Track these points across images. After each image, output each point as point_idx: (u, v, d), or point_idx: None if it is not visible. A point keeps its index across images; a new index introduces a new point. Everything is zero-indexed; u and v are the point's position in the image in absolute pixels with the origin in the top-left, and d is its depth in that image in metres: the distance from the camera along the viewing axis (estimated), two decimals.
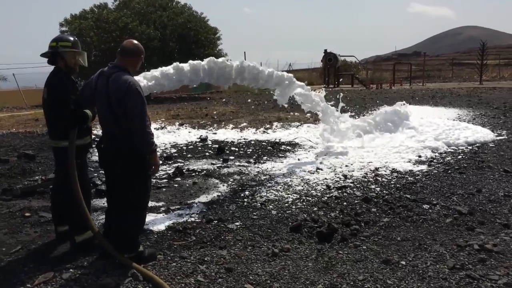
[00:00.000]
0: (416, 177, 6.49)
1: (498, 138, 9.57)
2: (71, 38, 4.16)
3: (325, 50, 36.72)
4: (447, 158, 7.70)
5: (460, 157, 7.81)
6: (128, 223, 3.76)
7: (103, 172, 4.29)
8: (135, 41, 3.84)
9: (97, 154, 3.98)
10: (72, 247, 4.10)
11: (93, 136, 4.76)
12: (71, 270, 3.69)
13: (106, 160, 3.79)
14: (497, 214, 4.88)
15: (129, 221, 3.76)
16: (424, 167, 7.09)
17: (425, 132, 9.30)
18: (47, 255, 4.02)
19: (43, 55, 4.10)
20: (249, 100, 22.34)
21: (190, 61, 6.73)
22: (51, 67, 4.13)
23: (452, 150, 8.33)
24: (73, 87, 4.04)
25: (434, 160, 7.57)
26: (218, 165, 7.80)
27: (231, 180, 6.72)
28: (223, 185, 6.43)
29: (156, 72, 6.38)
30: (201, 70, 6.67)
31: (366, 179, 6.44)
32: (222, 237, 4.41)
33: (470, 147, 8.56)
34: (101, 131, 3.94)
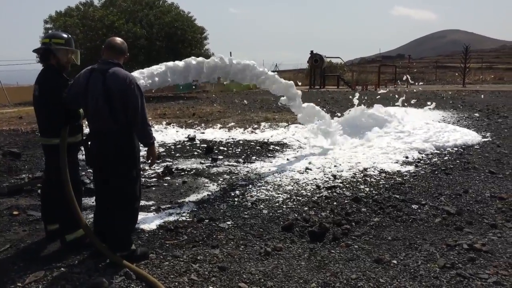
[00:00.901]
0: (404, 178, 6.57)
1: (483, 140, 9.74)
2: (65, 35, 4.09)
3: (311, 51, 36.91)
4: (434, 159, 7.81)
5: (446, 158, 7.92)
6: (122, 220, 3.76)
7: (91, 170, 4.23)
8: (120, 39, 3.90)
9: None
10: (62, 246, 4.05)
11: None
12: (62, 269, 3.65)
13: (98, 157, 3.75)
14: (484, 214, 4.97)
15: (123, 218, 3.76)
16: (411, 168, 7.18)
17: (413, 134, 9.36)
18: (37, 254, 3.97)
19: (35, 51, 4.05)
20: (236, 100, 22.32)
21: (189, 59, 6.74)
22: (34, 65, 4.09)
23: (439, 152, 8.44)
24: (66, 85, 3.99)
25: (421, 161, 7.67)
26: (207, 165, 7.79)
27: (221, 179, 6.72)
28: (213, 185, 6.42)
29: (151, 70, 6.33)
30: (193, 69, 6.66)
31: (355, 179, 6.50)
32: (214, 236, 4.40)
33: (456, 149, 8.69)
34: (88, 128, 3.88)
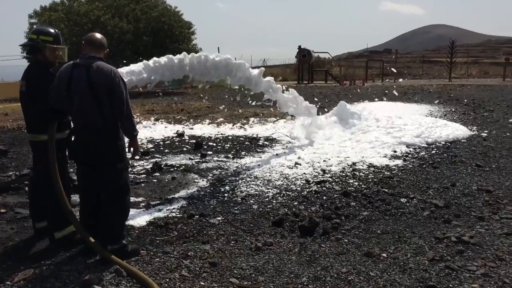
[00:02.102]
0: (393, 172, 6.62)
1: (472, 133, 9.84)
2: (53, 32, 4.03)
3: (299, 46, 36.91)
4: (422, 153, 7.89)
5: (433, 152, 8.00)
6: (114, 213, 3.77)
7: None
8: (100, 34, 3.90)
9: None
10: (51, 244, 4.01)
11: None
12: (51, 266, 3.62)
13: (84, 151, 3.73)
14: (472, 207, 5.03)
15: (115, 210, 3.77)
16: (399, 162, 7.24)
17: (404, 129, 9.32)
18: (25, 252, 3.93)
19: (22, 45, 3.99)
20: (225, 96, 22.26)
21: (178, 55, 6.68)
22: (19, 61, 4.04)
23: (426, 146, 8.52)
24: (53, 81, 3.93)
25: (409, 155, 7.74)
26: (196, 160, 7.77)
27: (210, 175, 6.71)
28: (202, 180, 6.41)
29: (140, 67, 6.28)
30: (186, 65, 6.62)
31: (344, 174, 6.53)
32: (205, 232, 4.40)
33: (443, 143, 8.77)
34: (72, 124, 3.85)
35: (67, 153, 4.00)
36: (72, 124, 3.87)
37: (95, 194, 3.86)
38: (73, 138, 3.84)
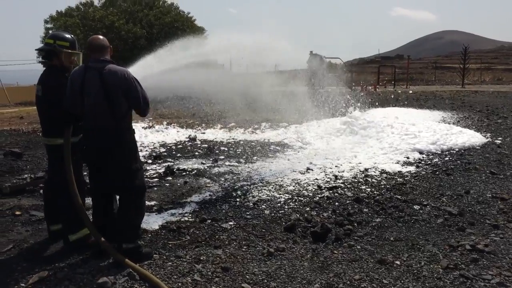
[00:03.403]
0: (405, 178, 6.58)
1: (485, 140, 9.72)
2: (70, 37, 4.10)
3: (311, 52, 36.87)
4: (435, 160, 7.82)
5: (447, 158, 7.93)
6: (132, 212, 3.86)
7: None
8: (100, 36, 4.03)
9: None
10: (65, 246, 4.05)
11: None
12: (65, 269, 3.66)
13: (98, 153, 3.77)
14: (486, 215, 4.98)
15: (133, 209, 3.87)
16: (412, 168, 7.19)
17: (419, 136, 9.23)
18: (40, 254, 3.98)
19: (38, 50, 4.05)
20: (236, 101, 22.28)
21: None
22: (34, 65, 4.11)
23: (440, 152, 8.44)
24: None
25: (422, 162, 7.68)
26: (208, 165, 7.79)
27: (223, 179, 6.72)
28: (214, 185, 6.43)
29: None
30: None
31: (356, 180, 6.50)
32: (217, 236, 4.40)
33: (457, 149, 8.68)
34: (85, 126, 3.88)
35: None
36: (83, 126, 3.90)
37: (106, 195, 3.95)
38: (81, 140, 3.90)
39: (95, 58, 3.75)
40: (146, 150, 9.04)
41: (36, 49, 4.09)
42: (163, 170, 7.29)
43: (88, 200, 5.36)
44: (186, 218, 4.93)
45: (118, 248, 3.77)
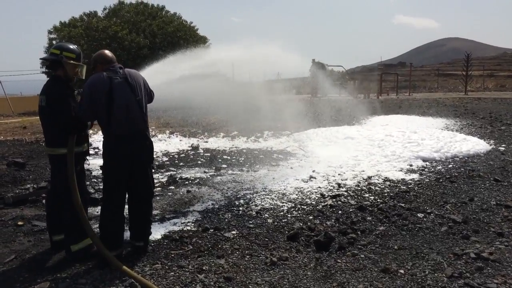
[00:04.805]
0: (409, 186, 6.54)
1: (489, 148, 9.68)
2: (76, 50, 4.13)
3: (313, 60, 36.92)
4: (438, 167, 7.79)
5: (450, 166, 7.90)
6: (150, 210, 4.29)
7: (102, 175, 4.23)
8: (106, 50, 4.22)
9: (91, 161, 4.07)
10: (68, 257, 4.04)
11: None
12: (67, 279, 3.64)
13: (137, 154, 3.97)
14: (491, 222, 4.94)
15: (150, 207, 4.30)
16: (415, 176, 7.16)
17: (422, 144, 9.20)
18: (42, 265, 3.97)
19: (43, 59, 4.08)
20: (238, 109, 22.30)
21: None
22: (37, 75, 4.15)
23: (443, 160, 8.41)
24: (72, 95, 4.01)
25: (425, 169, 7.65)
26: (211, 174, 7.78)
27: (225, 188, 6.71)
28: (217, 194, 6.41)
29: None
30: None
31: (359, 188, 6.48)
32: (219, 246, 4.38)
33: (461, 156, 8.65)
34: (119, 132, 3.88)
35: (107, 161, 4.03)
36: (115, 131, 3.86)
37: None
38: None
39: (110, 66, 3.93)
40: None
41: (41, 58, 4.14)
42: (165, 179, 7.28)
43: (91, 210, 5.37)
44: (189, 227, 4.92)
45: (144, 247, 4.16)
